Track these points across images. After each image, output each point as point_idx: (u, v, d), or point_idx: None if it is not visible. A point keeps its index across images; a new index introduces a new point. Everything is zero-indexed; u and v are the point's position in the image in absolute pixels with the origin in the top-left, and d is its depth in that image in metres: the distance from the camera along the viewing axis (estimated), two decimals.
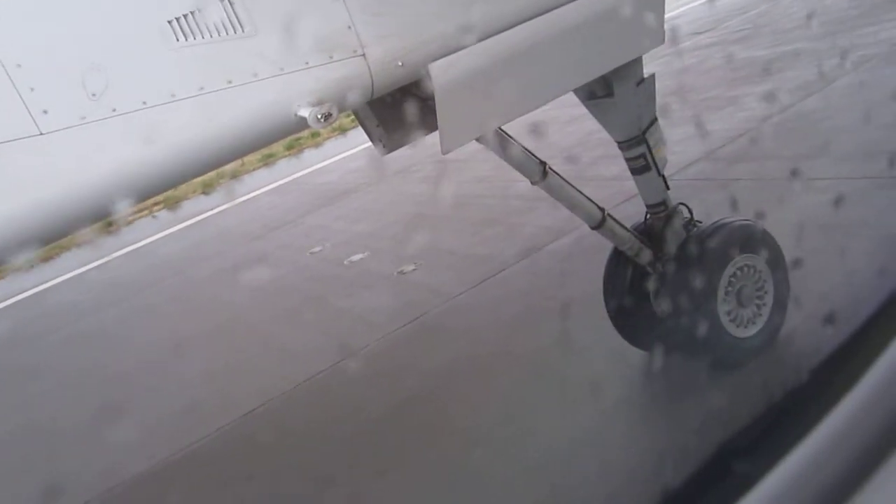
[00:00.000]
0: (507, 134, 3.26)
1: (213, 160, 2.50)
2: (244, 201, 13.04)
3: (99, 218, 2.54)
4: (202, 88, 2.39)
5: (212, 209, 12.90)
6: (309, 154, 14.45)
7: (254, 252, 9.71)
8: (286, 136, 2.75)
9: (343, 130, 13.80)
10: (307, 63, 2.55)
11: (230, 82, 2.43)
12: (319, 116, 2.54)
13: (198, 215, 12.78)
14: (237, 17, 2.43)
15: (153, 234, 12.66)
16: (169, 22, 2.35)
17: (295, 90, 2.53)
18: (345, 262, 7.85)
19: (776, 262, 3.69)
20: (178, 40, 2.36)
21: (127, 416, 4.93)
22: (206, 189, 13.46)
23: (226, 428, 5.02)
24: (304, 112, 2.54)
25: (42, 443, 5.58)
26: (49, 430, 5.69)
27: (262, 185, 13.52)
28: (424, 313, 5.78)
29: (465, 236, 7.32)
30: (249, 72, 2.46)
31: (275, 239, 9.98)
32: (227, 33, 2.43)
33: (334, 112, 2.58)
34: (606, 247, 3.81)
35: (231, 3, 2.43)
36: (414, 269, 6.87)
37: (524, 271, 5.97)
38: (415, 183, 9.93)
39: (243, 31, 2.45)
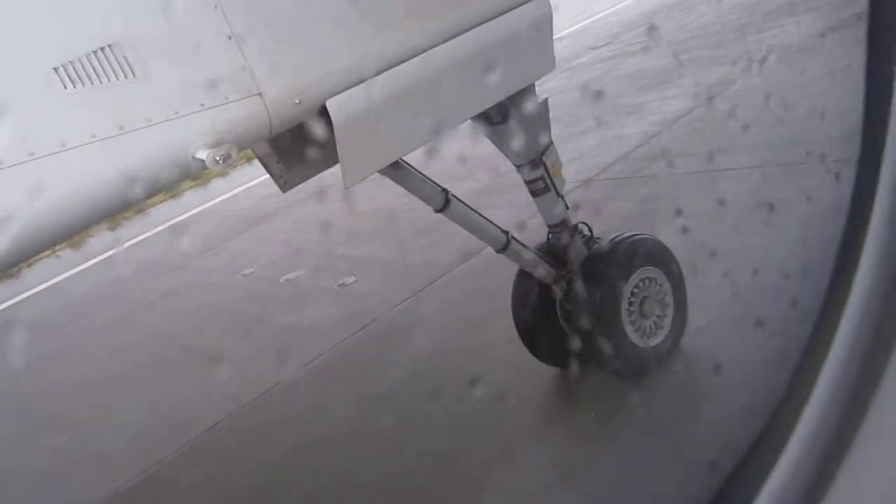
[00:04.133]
0: (408, 164, 3.32)
1: (109, 208, 2.46)
2: (154, 234, 12.57)
3: None
4: (94, 136, 2.35)
5: (119, 245, 12.41)
6: (216, 184, 14.03)
7: (180, 280, 9.24)
8: (185, 179, 2.72)
9: (249, 158, 13.52)
10: (202, 105, 2.54)
11: (122, 128, 2.39)
12: (218, 158, 2.53)
13: (105, 252, 12.26)
14: (127, 62, 2.39)
15: (59, 273, 12.07)
16: (55, 69, 2.30)
17: (191, 133, 2.51)
18: (281, 281, 7.74)
19: (672, 271, 3.87)
20: (65, 87, 2.31)
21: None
22: (112, 225, 12.97)
23: (178, 452, 5.05)
24: (202, 154, 2.52)
25: None
26: None
27: (171, 217, 13.10)
28: (374, 320, 5.87)
29: (400, 247, 7.32)
30: (143, 117, 2.43)
31: (198, 266, 9.56)
32: (116, 78, 2.39)
33: (233, 153, 2.58)
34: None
35: (121, 47, 2.39)
36: (355, 281, 6.89)
37: (464, 275, 6.04)
38: (336, 202, 9.77)
39: (134, 75, 2.41)
